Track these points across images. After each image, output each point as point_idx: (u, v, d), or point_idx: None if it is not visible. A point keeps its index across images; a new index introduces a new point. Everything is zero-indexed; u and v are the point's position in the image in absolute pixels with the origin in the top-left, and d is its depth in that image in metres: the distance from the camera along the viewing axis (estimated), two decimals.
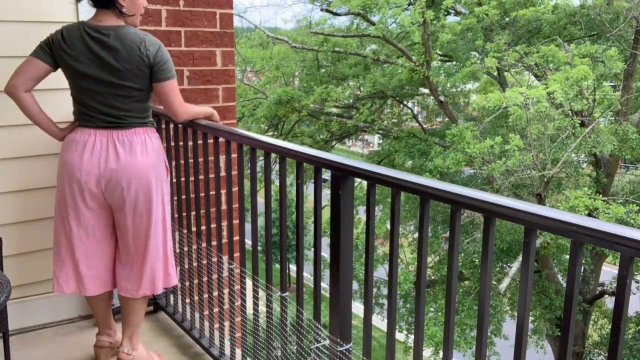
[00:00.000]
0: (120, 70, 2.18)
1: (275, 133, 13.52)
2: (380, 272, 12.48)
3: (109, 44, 2.17)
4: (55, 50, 2.22)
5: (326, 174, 1.85)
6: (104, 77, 2.20)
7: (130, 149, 2.24)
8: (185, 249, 2.74)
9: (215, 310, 2.83)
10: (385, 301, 10.95)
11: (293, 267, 13.81)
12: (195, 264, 2.68)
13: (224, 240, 2.67)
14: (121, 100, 2.23)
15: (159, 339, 2.82)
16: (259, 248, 2.42)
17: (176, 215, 2.79)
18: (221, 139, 2.42)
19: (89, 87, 2.23)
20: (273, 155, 2.15)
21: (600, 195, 8.50)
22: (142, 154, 2.26)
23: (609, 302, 11.42)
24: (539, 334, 10.58)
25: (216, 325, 2.85)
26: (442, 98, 10.85)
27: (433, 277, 10.82)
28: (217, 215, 2.47)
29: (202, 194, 2.59)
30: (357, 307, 8.84)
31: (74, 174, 2.25)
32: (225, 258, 2.54)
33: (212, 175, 2.49)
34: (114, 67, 2.18)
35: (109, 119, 2.25)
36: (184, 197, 2.71)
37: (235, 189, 2.77)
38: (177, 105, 2.35)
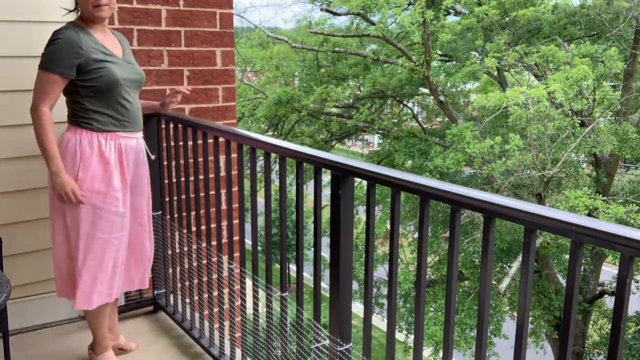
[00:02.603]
0: None
1: (275, 133, 13.51)
2: (380, 272, 12.48)
3: None
4: None
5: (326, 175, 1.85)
6: None
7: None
8: (185, 248, 2.74)
9: (215, 310, 2.83)
10: (385, 301, 10.95)
11: (293, 267, 13.80)
12: (195, 264, 2.68)
13: (224, 240, 2.66)
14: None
15: (159, 339, 2.82)
16: (259, 248, 2.42)
17: (176, 215, 2.79)
18: (221, 139, 2.42)
19: None
20: (273, 155, 2.16)
21: (600, 195, 8.50)
22: None
23: (609, 302, 11.42)
24: (536, 335, 10.56)
25: (216, 325, 2.85)
26: (442, 98, 10.85)
27: (433, 277, 10.81)
28: (217, 215, 2.47)
29: (202, 194, 2.59)
30: (357, 307, 8.84)
31: None
32: (225, 258, 2.54)
33: (212, 175, 2.49)
34: None
35: None
36: (184, 197, 2.71)
37: (235, 189, 2.77)
38: (33, 98, 2.19)
